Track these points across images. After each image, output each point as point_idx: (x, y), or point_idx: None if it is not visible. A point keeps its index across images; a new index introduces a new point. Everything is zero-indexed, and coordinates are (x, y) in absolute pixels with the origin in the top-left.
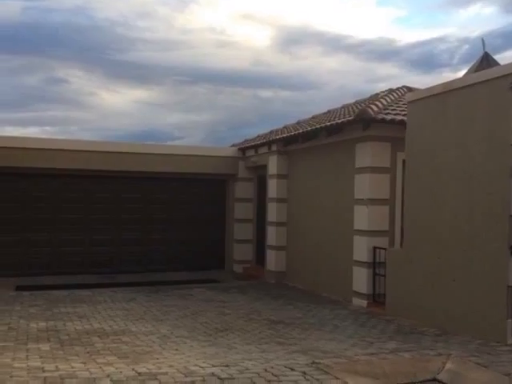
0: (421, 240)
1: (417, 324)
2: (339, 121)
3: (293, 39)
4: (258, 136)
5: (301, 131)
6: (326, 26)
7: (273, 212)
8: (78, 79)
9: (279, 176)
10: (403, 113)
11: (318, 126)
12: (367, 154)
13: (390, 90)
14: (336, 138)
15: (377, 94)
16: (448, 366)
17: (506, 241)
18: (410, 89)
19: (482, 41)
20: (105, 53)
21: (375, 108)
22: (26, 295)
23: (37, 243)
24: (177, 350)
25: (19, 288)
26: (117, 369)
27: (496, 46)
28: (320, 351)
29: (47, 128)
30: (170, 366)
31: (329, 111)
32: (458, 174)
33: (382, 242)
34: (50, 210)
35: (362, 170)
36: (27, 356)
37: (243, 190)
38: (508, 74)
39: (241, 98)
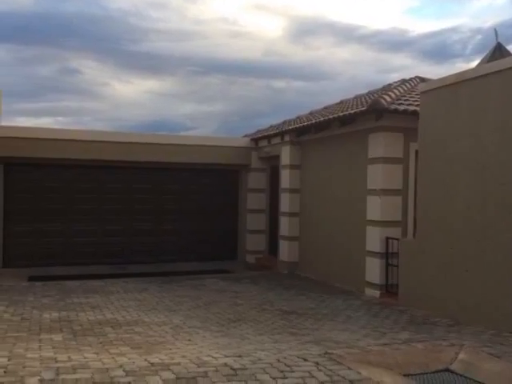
0: (433, 230)
1: (429, 314)
2: (352, 111)
3: (305, 29)
4: (271, 126)
5: (313, 122)
6: (339, 16)
7: (285, 202)
8: (91, 70)
9: (292, 166)
10: (416, 103)
11: (330, 117)
12: (380, 145)
13: (403, 81)
14: (349, 128)
15: (389, 85)
16: (461, 356)
17: None
18: (422, 79)
19: (495, 31)
20: (118, 43)
21: (388, 98)
22: (39, 285)
23: (49, 234)
24: (189, 340)
25: (32, 278)
26: (130, 359)
27: (509, 36)
28: (333, 341)
29: (60, 118)
30: (183, 357)
31: (341, 102)
32: (470, 165)
33: (395, 232)
34: (63, 200)
35: (375, 160)
36: (40, 346)
37: (256, 180)
38: None
39: (253, 89)
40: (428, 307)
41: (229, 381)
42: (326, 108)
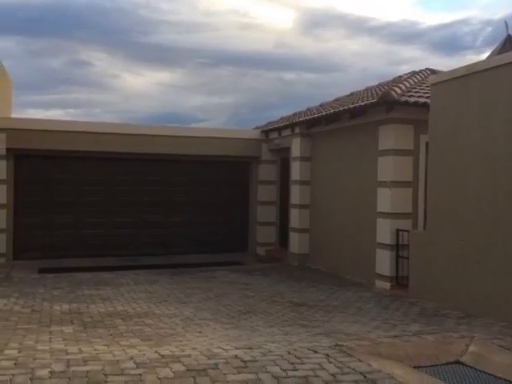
0: (444, 222)
1: (440, 306)
2: (362, 103)
3: (316, 21)
4: (282, 118)
5: (324, 113)
6: (349, 8)
7: (296, 194)
8: (101, 62)
9: (302, 158)
10: (426, 95)
11: (341, 109)
12: (390, 137)
13: (413, 73)
14: (359, 120)
15: (400, 77)
16: (471, 348)
17: None
18: (433, 71)
19: (505, 23)
20: (128, 35)
21: (398, 90)
22: (50, 277)
23: (60, 226)
24: (200, 332)
25: (42, 270)
26: (140, 351)
27: None
28: (343, 333)
29: (70, 110)
30: (193, 349)
31: (352, 94)
32: (481, 157)
33: (406, 224)
34: (73, 192)
35: (385, 152)
36: (50, 338)
37: (266, 172)
38: None
39: (264, 81)
40: (438, 299)
41: (239, 373)
42: (336, 100)
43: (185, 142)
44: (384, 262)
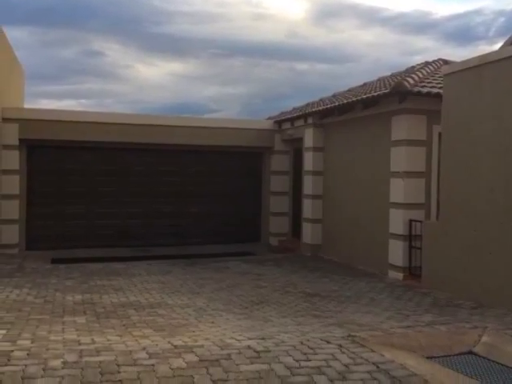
0: (457, 213)
1: (453, 297)
2: (375, 94)
3: (328, 12)
4: (294, 109)
5: (337, 104)
6: None
7: (309, 185)
8: (114, 52)
9: (315, 149)
10: (439, 86)
11: (353, 99)
12: (403, 127)
13: (426, 63)
14: (372, 110)
15: (413, 67)
16: (484, 338)
17: None
18: (445, 62)
19: None
20: (141, 25)
21: (411, 81)
22: (62, 268)
23: (72, 216)
24: (213, 322)
25: (55, 261)
26: (153, 342)
27: None
28: (356, 324)
29: (83, 101)
30: (206, 339)
31: (365, 84)
32: (493, 147)
33: (418, 214)
34: (86, 183)
35: (398, 142)
36: (63, 329)
37: (279, 162)
38: None
39: (276, 71)
40: (451, 290)
41: (252, 363)
42: (349, 90)
43: (198, 132)
44: (397, 253)
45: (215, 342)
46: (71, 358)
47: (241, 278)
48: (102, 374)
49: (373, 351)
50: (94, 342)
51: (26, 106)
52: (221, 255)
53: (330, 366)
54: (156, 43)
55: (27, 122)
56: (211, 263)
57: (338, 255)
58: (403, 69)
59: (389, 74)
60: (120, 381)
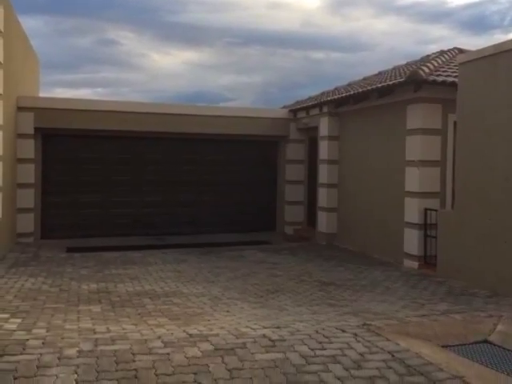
0: (472, 202)
1: (468, 285)
2: (390, 82)
3: (343, 0)
4: (309, 98)
5: (352, 93)
6: None
7: (324, 173)
8: (129, 41)
9: (330, 138)
10: (454, 74)
11: (369, 88)
12: (418, 116)
13: (441, 52)
14: (387, 99)
15: (428, 56)
16: (499, 327)
17: None
18: (461, 50)
19: None
20: (156, 14)
21: (426, 69)
22: (77, 257)
23: (87, 205)
24: (228, 311)
25: (70, 250)
26: (168, 330)
27: None
28: (371, 313)
29: (99, 90)
30: (221, 328)
31: (380, 73)
32: (509, 136)
33: (434, 203)
34: (101, 171)
35: (413, 131)
36: (78, 318)
37: (294, 151)
38: None
39: (292, 60)
40: (466, 278)
41: (267, 352)
42: (364, 79)
43: (213, 121)
44: (412, 241)
45: (230, 331)
46: (86, 346)
47: (256, 266)
48: (117, 362)
49: (388, 340)
50: (109, 331)
51: (42, 95)
52: (236, 244)
53: (345, 355)
54: (171, 32)
55: (42, 110)
56: (226, 252)
57: (353, 244)
58: (418, 58)
59: (404, 62)
60: (135, 369)
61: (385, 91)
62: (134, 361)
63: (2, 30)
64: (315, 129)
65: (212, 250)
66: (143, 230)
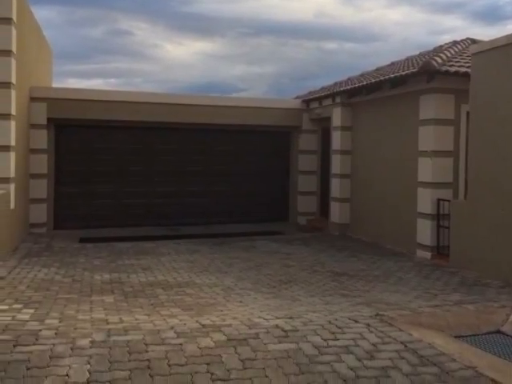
0: (485, 192)
1: (481, 276)
2: (403, 73)
3: None
4: (322, 88)
5: (365, 83)
6: None
7: (337, 164)
8: (142, 31)
9: (343, 128)
10: (467, 65)
11: (381, 78)
12: (431, 106)
13: (454, 42)
14: (400, 90)
15: (441, 46)
16: None
17: None
18: (474, 41)
19: None
20: (169, 5)
21: (439, 60)
22: (90, 247)
23: (100, 195)
24: (241, 302)
25: (83, 240)
26: (181, 321)
27: None
28: (384, 303)
29: (111, 80)
30: (234, 318)
31: (393, 63)
32: None
33: (446, 193)
34: (114, 162)
35: (426, 122)
36: (91, 308)
37: (307, 141)
38: None
39: (304, 50)
40: (479, 269)
41: (280, 342)
42: (377, 70)
43: (226, 111)
44: (425, 232)
45: (243, 322)
46: (99, 337)
47: (269, 257)
48: (129, 353)
49: (401, 330)
50: (121, 321)
51: (54, 85)
52: (248, 234)
53: (358, 346)
54: (184, 22)
55: (55, 101)
56: (239, 242)
57: (366, 234)
58: (431, 48)
59: (417, 53)
60: (148, 360)
61: (398, 82)
62: (146, 351)
63: (15, 21)
64: (328, 119)
65: (224, 240)
66: (155, 220)
